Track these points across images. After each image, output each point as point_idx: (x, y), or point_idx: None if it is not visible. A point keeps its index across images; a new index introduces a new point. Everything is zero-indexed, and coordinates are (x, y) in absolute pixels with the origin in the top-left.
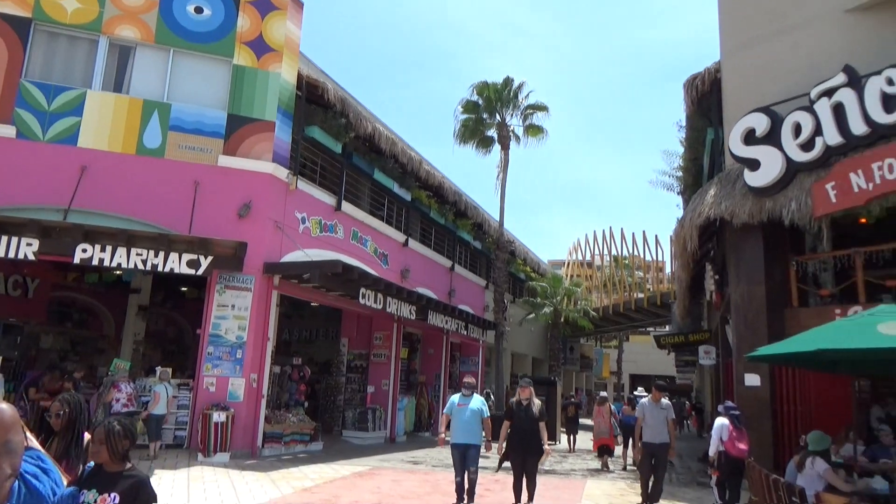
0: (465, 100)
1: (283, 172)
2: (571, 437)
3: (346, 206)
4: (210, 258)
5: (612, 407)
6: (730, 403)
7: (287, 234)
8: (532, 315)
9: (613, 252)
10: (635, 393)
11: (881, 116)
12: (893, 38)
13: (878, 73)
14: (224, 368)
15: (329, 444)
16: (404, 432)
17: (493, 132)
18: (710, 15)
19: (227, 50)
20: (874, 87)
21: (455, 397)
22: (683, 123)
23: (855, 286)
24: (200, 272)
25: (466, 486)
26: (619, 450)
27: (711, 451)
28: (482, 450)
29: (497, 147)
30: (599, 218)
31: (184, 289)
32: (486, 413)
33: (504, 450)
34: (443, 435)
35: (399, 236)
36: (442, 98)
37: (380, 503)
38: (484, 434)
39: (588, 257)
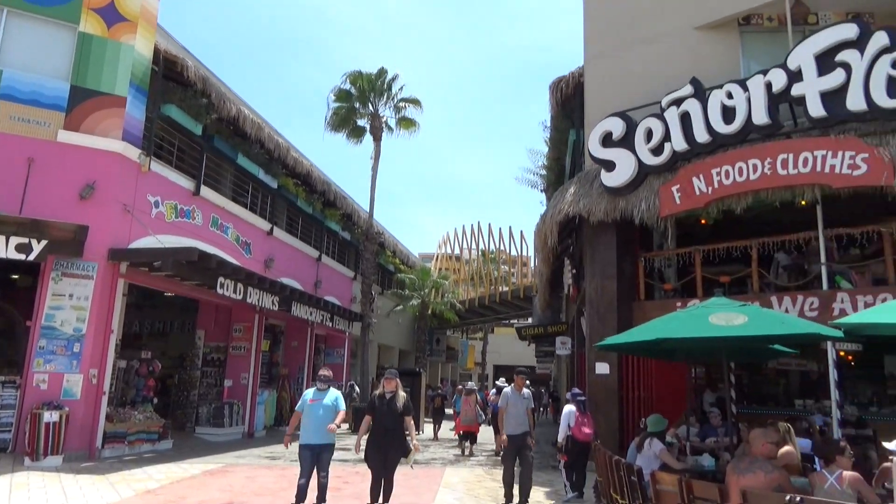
0: (338, 88)
1: (134, 152)
2: (436, 427)
3: (206, 192)
4: (44, 242)
5: (479, 396)
6: (576, 390)
7: (137, 218)
8: (400, 307)
9: (481, 246)
10: (497, 383)
11: (721, 127)
12: (734, 55)
13: (720, 86)
14: (58, 364)
15: (181, 442)
16: (264, 427)
17: (365, 122)
18: (578, 21)
19: (71, 15)
20: (716, 100)
21: (308, 392)
22: (549, 124)
23: (694, 281)
24: (32, 258)
25: (316, 491)
26: (490, 435)
27: (560, 437)
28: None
29: (369, 137)
30: (469, 212)
31: (14, 276)
32: (342, 407)
33: (363, 447)
34: (288, 435)
35: (264, 224)
36: (314, 86)
37: (230, 502)
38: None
39: (457, 251)
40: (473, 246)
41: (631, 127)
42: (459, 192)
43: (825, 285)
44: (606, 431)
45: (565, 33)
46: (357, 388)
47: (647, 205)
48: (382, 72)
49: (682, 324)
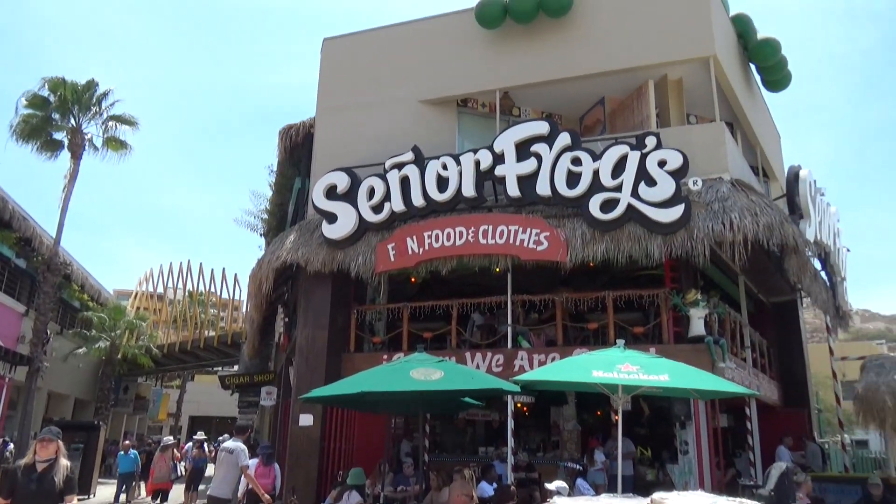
0: (31, 93)
1: None
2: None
3: None
4: None
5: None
6: (265, 443)
7: None
8: (83, 349)
9: (189, 287)
10: (195, 437)
11: (436, 194)
12: (452, 131)
13: (437, 158)
14: None
15: None
16: None
17: (63, 136)
18: (315, 74)
19: None
20: (433, 169)
21: None
22: (275, 169)
23: (401, 335)
24: None
25: None
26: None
27: (240, 491)
28: None
29: (66, 154)
30: (182, 249)
31: None
32: None
33: None
34: None
35: None
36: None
37: None
38: None
39: (161, 290)
40: (181, 285)
41: (355, 183)
42: (174, 226)
43: (509, 344)
44: (306, 484)
45: (302, 82)
46: (11, 447)
47: (363, 259)
48: (92, 84)
49: (385, 377)
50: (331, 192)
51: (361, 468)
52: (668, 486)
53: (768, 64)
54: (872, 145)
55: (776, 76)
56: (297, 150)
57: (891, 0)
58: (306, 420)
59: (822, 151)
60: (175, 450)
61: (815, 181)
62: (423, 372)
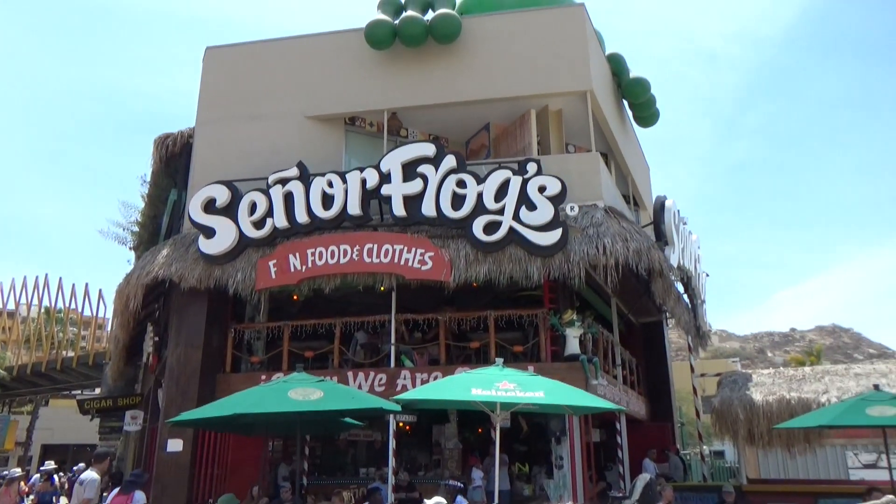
0: None
1: None
2: None
3: None
4: None
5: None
6: (137, 471)
7: None
8: None
9: (46, 303)
10: (42, 468)
11: (320, 211)
12: (339, 148)
13: (323, 174)
14: None
15: None
16: None
17: None
18: (196, 82)
19: None
20: (318, 186)
21: None
22: (148, 179)
23: (281, 355)
24: None
25: None
26: None
27: None
28: None
29: None
30: (35, 261)
31: None
32: None
33: None
34: None
35: None
36: None
37: None
38: None
39: (12, 306)
40: (35, 301)
41: (236, 197)
42: (26, 236)
43: (392, 363)
44: None
45: (180, 89)
46: None
47: (243, 276)
48: None
49: (261, 398)
50: (209, 206)
51: (232, 494)
52: (544, 500)
53: (639, 101)
54: (732, 180)
55: (646, 113)
56: (174, 160)
57: (746, 50)
58: (175, 445)
59: (688, 183)
60: (22, 483)
61: (678, 211)
62: (301, 392)
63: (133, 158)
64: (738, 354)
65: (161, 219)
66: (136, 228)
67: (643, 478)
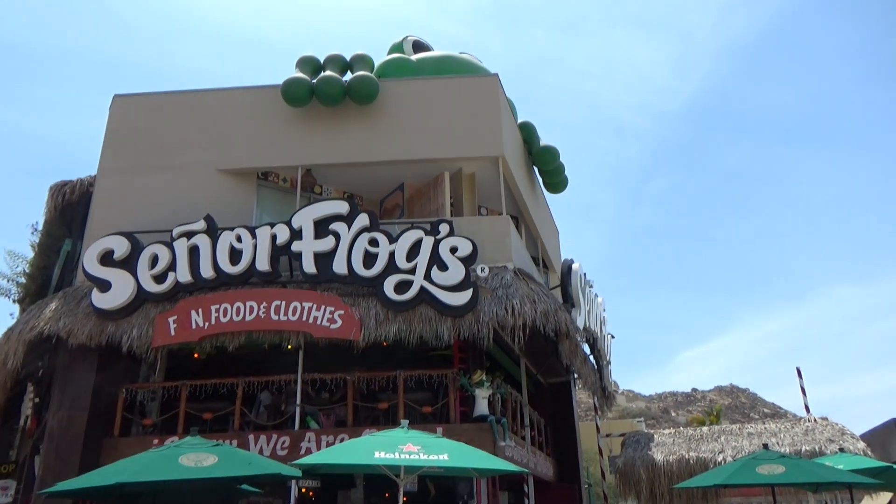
0: None
1: None
2: None
3: None
4: None
5: None
6: None
7: None
8: None
9: None
10: None
11: (227, 266)
12: (250, 202)
13: (232, 229)
14: None
15: None
16: None
17: None
18: (99, 128)
19: None
20: (226, 240)
21: None
22: (40, 227)
23: (177, 417)
24: None
25: None
26: None
27: None
28: None
29: None
30: None
31: None
32: None
33: None
34: None
35: None
36: None
37: None
38: None
39: None
40: None
41: (136, 249)
42: None
43: (297, 425)
44: None
45: (82, 135)
46: None
47: (139, 332)
48: None
49: (149, 465)
50: (106, 258)
51: None
52: None
53: (549, 168)
54: (637, 244)
55: (555, 179)
56: (71, 209)
57: (650, 122)
58: None
59: (596, 247)
60: None
61: (585, 273)
62: (194, 458)
63: (24, 204)
64: (644, 414)
65: (52, 270)
66: (22, 280)
67: None
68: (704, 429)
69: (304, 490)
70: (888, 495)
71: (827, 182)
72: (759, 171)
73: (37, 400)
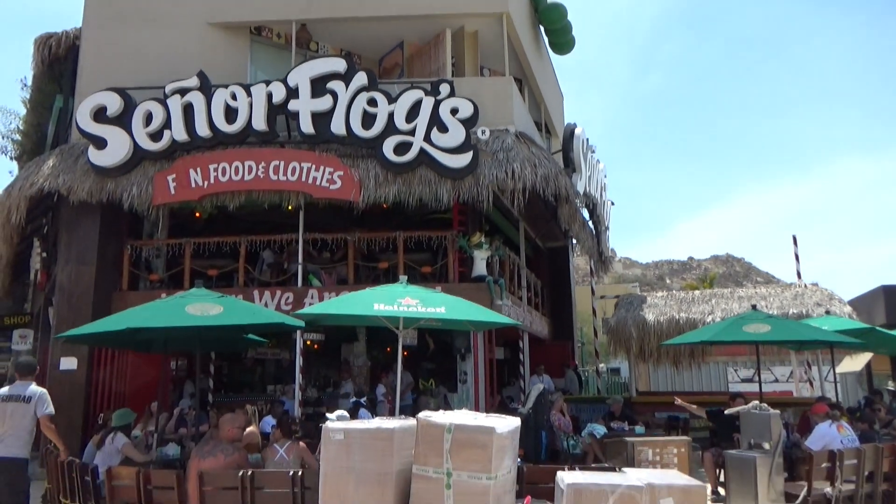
0: None
1: None
2: None
3: None
4: None
5: None
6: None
7: None
8: None
9: None
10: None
11: (223, 125)
12: (244, 59)
13: (226, 86)
14: None
15: None
16: None
17: None
18: None
19: None
20: (221, 98)
21: None
22: (30, 83)
23: (183, 273)
24: None
25: None
26: None
27: None
28: None
29: None
30: None
31: None
32: None
33: None
34: None
35: None
36: None
37: None
38: None
39: None
40: None
41: (129, 106)
42: None
43: (300, 283)
44: (69, 433)
45: None
46: None
47: (139, 190)
48: None
49: (156, 313)
50: (99, 115)
51: (128, 408)
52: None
53: (555, 27)
54: (644, 110)
55: (562, 39)
56: (59, 63)
57: None
58: (68, 364)
59: (601, 112)
60: None
61: (587, 139)
62: (200, 307)
63: (10, 59)
64: (640, 280)
65: (46, 127)
66: (17, 137)
67: (537, 388)
68: (696, 292)
69: (308, 343)
70: (867, 356)
71: (842, 49)
72: (772, 36)
73: (44, 255)
